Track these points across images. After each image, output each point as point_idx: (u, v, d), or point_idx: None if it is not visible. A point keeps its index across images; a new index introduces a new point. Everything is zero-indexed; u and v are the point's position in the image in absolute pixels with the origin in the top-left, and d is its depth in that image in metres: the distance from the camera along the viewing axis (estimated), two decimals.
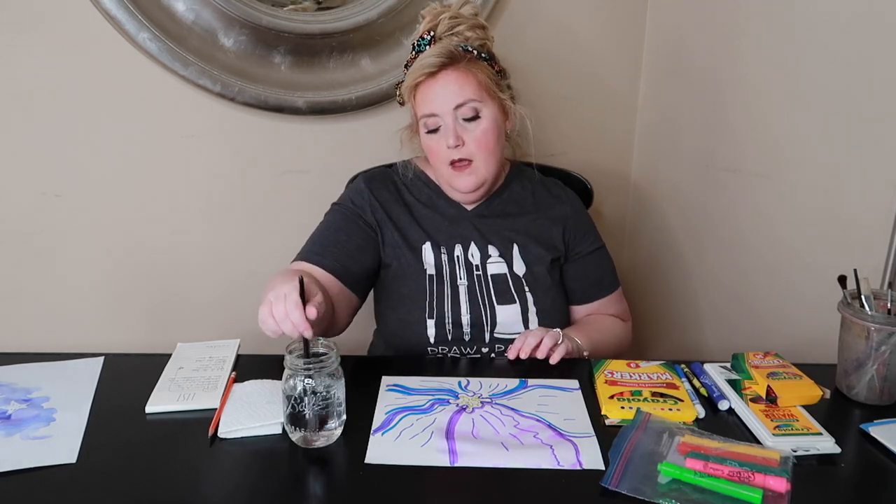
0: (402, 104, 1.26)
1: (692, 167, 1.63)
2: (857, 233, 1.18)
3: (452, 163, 1.19)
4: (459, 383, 1.06)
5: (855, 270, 1.04)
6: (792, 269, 1.33)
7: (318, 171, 1.63)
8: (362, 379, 1.04)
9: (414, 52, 1.21)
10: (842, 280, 1.04)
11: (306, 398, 0.87)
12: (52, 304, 1.57)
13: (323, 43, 1.52)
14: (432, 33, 1.19)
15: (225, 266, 1.65)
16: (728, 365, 1.09)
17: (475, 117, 1.18)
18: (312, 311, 0.89)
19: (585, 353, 1.18)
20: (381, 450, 0.89)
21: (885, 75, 1.11)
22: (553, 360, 1.09)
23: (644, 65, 1.79)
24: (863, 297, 1.02)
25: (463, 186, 1.21)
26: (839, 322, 1.04)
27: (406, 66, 1.22)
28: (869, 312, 1.00)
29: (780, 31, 1.32)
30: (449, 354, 1.21)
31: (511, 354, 1.11)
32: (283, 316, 0.88)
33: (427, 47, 1.19)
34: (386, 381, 1.05)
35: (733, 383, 1.03)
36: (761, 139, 1.39)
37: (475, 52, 1.18)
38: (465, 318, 1.20)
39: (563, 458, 0.87)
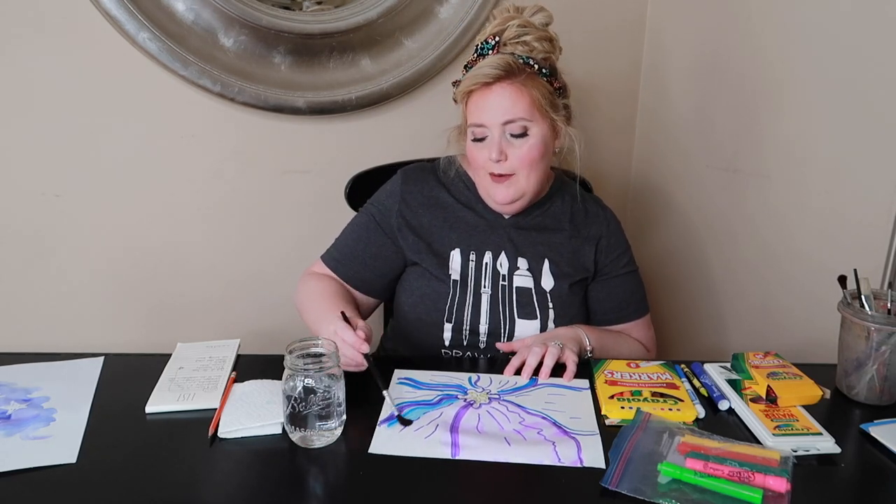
0: (456, 102, 1.23)
1: (692, 167, 1.63)
2: (858, 233, 1.18)
3: (492, 174, 1.17)
4: (469, 379, 1.07)
5: (855, 270, 1.04)
6: (792, 269, 1.33)
7: (318, 171, 1.63)
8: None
9: (476, 54, 1.17)
10: (842, 280, 1.04)
11: (306, 398, 0.87)
12: (52, 304, 1.57)
13: (323, 43, 1.52)
14: (498, 38, 1.15)
15: (225, 266, 1.65)
16: (728, 365, 1.09)
17: (523, 134, 1.15)
18: (365, 346, 0.99)
19: (589, 349, 1.17)
20: (386, 441, 0.90)
21: (885, 75, 1.11)
22: (566, 379, 1.07)
23: (644, 65, 1.79)
24: (863, 297, 1.02)
25: (500, 197, 1.18)
26: (839, 322, 1.04)
27: (466, 67, 1.19)
28: (869, 312, 1.00)
29: (780, 32, 1.32)
30: (463, 359, 1.21)
31: (508, 372, 1.09)
32: (341, 344, 0.99)
33: (490, 52, 1.15)
34: (398, 374, 1.07)
35: (733, 383, 1.03)
36: (761, 139, 1.39)
37: (537, 66, 1.15)
38: (484, 327, 1.19)
39: (565, 455, 0.87)
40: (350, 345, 0.98)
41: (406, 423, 0.94)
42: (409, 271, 1.25)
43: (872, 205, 1.14)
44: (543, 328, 1.20)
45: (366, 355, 0.99)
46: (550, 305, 1.21)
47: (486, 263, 1.22)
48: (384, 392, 0.99)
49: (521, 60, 1.14)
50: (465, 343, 1.20)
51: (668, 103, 1.71)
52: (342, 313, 1.04)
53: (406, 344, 1.25)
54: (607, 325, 1.29)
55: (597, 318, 1.29)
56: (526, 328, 1.20)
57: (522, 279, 1.22)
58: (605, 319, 1.29)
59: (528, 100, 1.14)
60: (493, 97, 1.14)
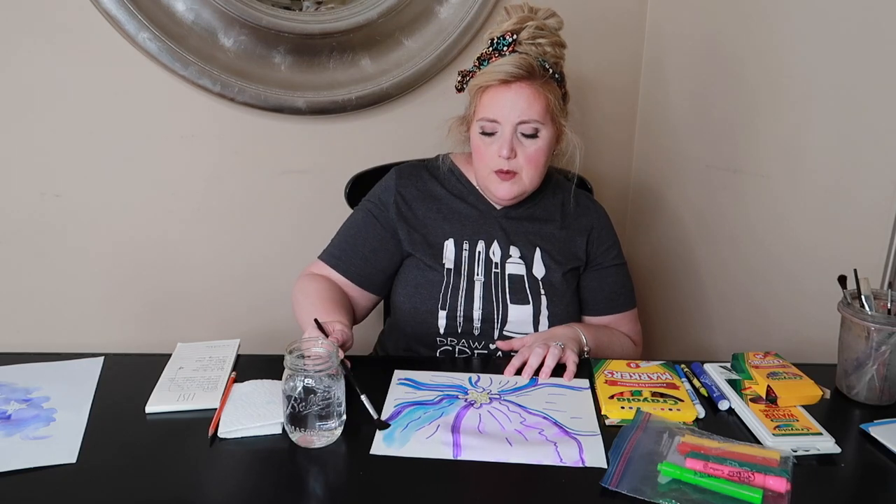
0: (459, 91, 1.24)
1: (692, 167, 1.63)
2: (858, 233, 1.18)
3: (498, 171, 1.19)
4: (470, 379, 1.07)
5: (855, 270, 1.04)
6: (792, 269, 1.33)
7: (318, 171, 1.63)
8: (375, 372, 1.05)
9: (491, 48, 1.18)
10: (842, 280, 1.04)
11: (306, 398, 0.87)
12: (52, 304, 1.57)
13: (323, 43, 1.52)
14: (515, 36, 1.16)
15: (225, 266, 1.65)
16: (728, 365, 1.09)
17: (533, 135, 1.17)
18: (340, 352, 0.96)
19: (586, 350, 1.18)
20: (386, 441, 0.90)
21: (885, 75, 1.11)
22: (567, 379, 1.07)
23: (644, 65, 1.79)
24: (863, 297, 1.02)
25: (503, 195, 1.21)
26: (839, 322, 1.04)
27: (479, 59, 1.19)
28: (869, 312, 1.00)
29: (780, 31, 1.32)
30: (457, 347, 1.22)
31: (509, 373, 1.09)
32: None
33: (506, 49, 1.16)
34: (398, 374, 1.07)
35: (733, 383, 1.03)
36: (762, 139, 1.39)
37: (550, 70, 1.17)
38: (477, 313, 1.20)
39: (566, 456, 0.87)
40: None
41: (384, 426, 0.93)
42: (405, 264, 1.26)
43: (872, 205, 1.14)
44: (536, 314, 1.22)
45: (341, 361, 0.96)
46: (542, 291, 1.23)
47: (479, 252, 1.24)
48: (362, 396, 0.96)
49: (539, 63, 1.15)
50: (459, 330, 1.21)
51: (668, 103, 1.71)
52: (315, 321, 1.05)
53: (403, 335, 1.26)
54: (598, 316, 1.31)
55: (588, 307, 1.31)
56: (519, 313, 1.21)
57: (515, 266, 1.24)
58: (597, 309, 1.31)
59: (544, 103, 1.16)
60: (510, 95, 1.15)
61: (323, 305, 1.14)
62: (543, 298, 1.22)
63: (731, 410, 1.00)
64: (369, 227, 1.26)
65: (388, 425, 0.94)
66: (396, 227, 1.25)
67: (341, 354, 0.96)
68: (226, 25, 1.46)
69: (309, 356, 0.91)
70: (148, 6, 1.40)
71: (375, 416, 0.95)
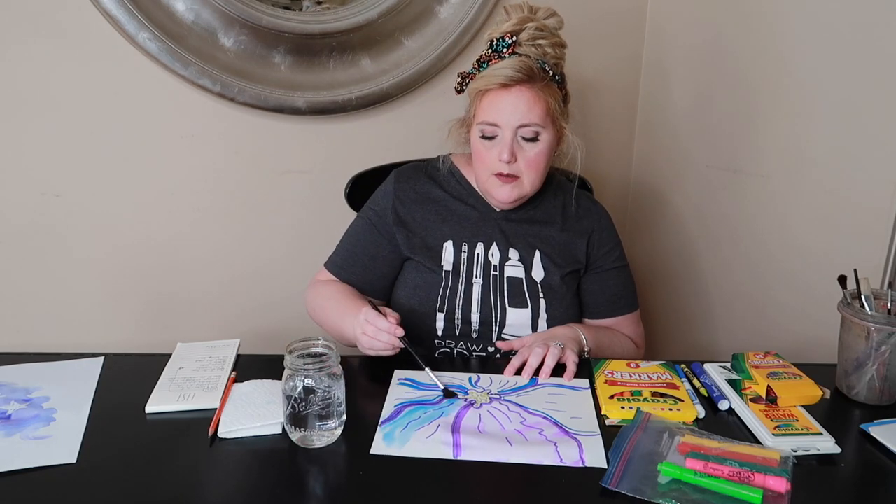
0: (458, 93, 1.24)
1: (692, 167, 1.63)
2: (858, 233, 1.18)
3: (499, 174, 1.18)
4: (469, 379, 1.07)
5: (855, 270, 1.04)
6: (792, 269, 1.33)
7: (318, 171, 1.63)
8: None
9: (491, 50, 1.17)
10: (842, 280, 1.05)
11: (306, 398, 0.87)
12: (52, 304, 1.57)
13: (323, 43, 1.52)
14: (515, 38, 1.15)
15: (225, 266, 1.65)
16: (728, 365, 1.09)
17: (534, 139, 1.16)
18: (400, 330, 1.05)
19: (587, 350, 1.18)
20: (387, 441, 0.90)
21: (885, 75, 1.11)
22: (567, 379, 1.08)
23: (644, 65, 1.79)
24: (863, 297, 1.02)
25: (504, 198, 1.20)
26: (839, 322, 1.04)
27: (478, 61, 1.19)
28: (869, 312, 1.00)
29: (780, 31, 1.33)
30: (456, 349, 1.22)
31: (509, 373, 1.09)
32: (375, 331, 1.05)
33: (506, 50, 1.16)
34: (398, 374, 1.07)
35: (733, 383, 1.03)
36: (762, 139, 1.39)
37: (551, 72, 1.17)
38: (475, 316, 1.21)
39: (567, 456, 0.87)
40: (385, 331, 1.04)
41: (451, 395, 1.01)
42: (405, 266, 1.27)
43: (872, 205, 1.14)
44: (535, 317, 1.21)
45: (401, 338, 1.04)
46: (541, 294, 1.23)
47: (478, 254, 1.24)
48: (426, 369, 1.04)
49: (538, 65, 1.15)
50: (457, 332, 1.21)
51: (669, 103, 1.71)
52: (370, 302, 1.08)
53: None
54: (599, 319, 1.31)
55: (589, 310, 1.30)
56: (517, 317, 1.21)
57: (513, 269, 1.24)
58: (598, 312, 1.30)
59: (544, 106, 1.15)
60: (510, 98, 1.14)
61: (356, 299, 1.16)
62: (542, 302, 1.22)
63: (731, 410, 1.00)
64: (368, 234, 1.27)
65: (455, 394, 1.00)
66: (394, 232, 1.25)
67: (401, 332, 1.04)
68: (226, 25, 1.46)
69: (311, 356, 0.91)
70: (148, 6, 1.40)
71: (441, 387, 1.01)
